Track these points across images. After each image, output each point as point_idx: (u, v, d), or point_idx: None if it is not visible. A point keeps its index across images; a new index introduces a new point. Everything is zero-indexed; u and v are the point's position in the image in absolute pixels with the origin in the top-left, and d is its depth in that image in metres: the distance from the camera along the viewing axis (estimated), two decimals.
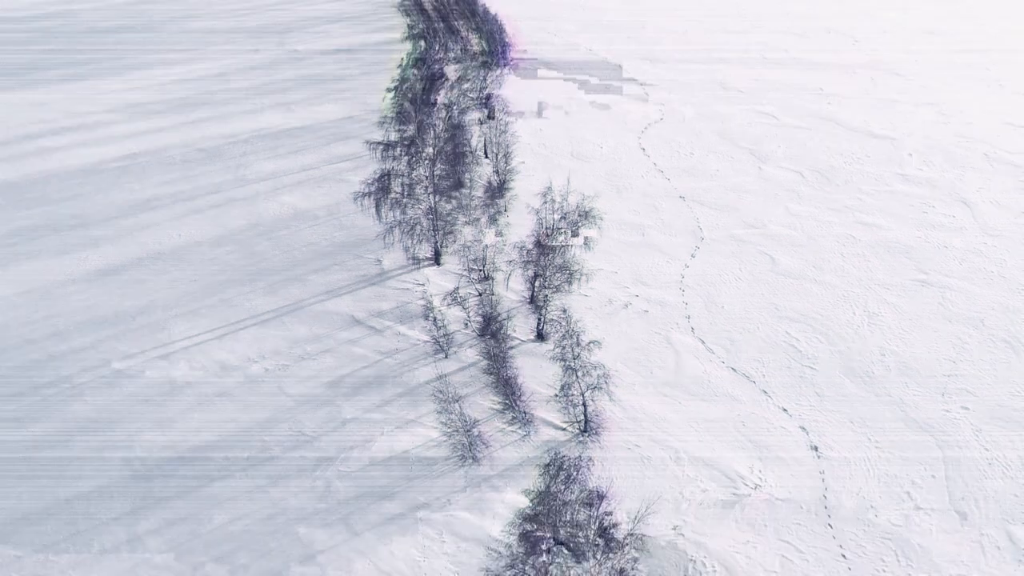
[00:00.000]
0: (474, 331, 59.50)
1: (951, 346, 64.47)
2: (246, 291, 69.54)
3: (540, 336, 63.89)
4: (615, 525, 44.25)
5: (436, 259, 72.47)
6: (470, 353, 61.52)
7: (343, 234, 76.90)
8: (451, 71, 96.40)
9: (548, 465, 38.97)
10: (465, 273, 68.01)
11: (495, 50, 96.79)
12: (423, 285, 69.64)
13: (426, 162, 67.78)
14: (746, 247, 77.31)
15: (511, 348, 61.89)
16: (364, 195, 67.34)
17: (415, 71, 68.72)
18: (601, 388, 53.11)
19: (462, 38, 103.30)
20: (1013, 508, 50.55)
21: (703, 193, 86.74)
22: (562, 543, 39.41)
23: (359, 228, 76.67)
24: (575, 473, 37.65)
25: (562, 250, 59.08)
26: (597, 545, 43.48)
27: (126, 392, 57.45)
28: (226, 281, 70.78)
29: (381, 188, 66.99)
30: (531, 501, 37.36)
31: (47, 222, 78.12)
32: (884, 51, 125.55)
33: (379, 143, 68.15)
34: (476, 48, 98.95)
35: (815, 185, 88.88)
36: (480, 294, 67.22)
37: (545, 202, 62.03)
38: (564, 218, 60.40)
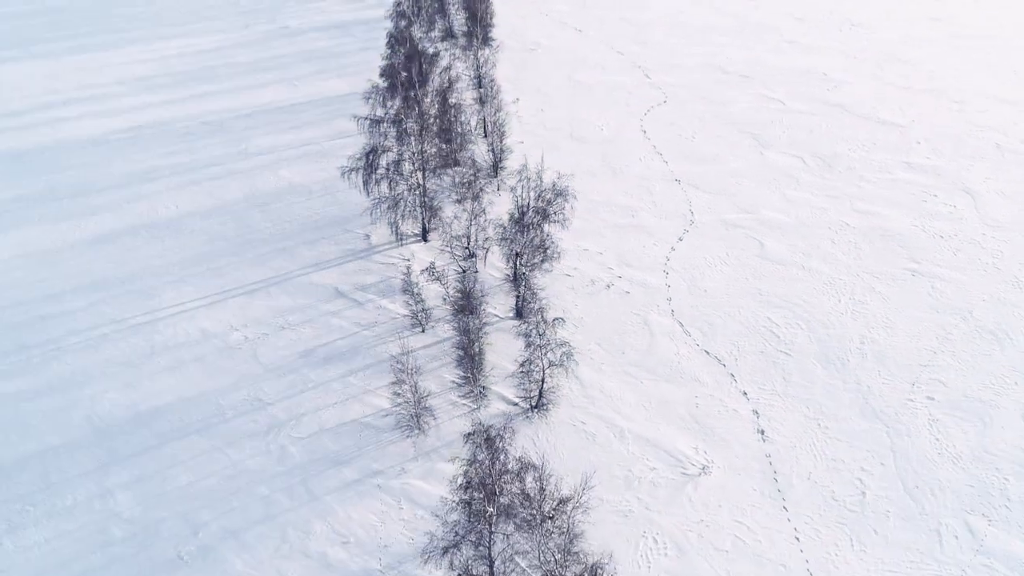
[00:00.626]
0: (450, 306, 60.18)
1: (935, 336, 63.57)
2: (235, 261, 71.16)
3: (519, 314, 64.42)
4: (566, 499, 44.91)
5: (423, 235, 73.31)
6: (448, 328, 62.29)
7: (335, 208, 78.05)
8: (438, 49, 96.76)
9: (471, 434, 39.74)
10: (448, 249, 68.75)
11: (475, 29, 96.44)
12: (408, 260, 70.51)
13: (413, 139, 68.38)
14: (736, 232, 76.73)
15: (489, 324, 62.59)
16: (351, 170, 68.24)
17: (401, 48, 69.39)
18: (562, 365, 53.62)
19: (448, 16, 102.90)
20: (970, 498, 50.08)
21: (699, 177, 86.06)
22: (504, 512, 40.13)
23: (352, 203, 77.64)
24: (500, 443, 38.28)
25: (538, 228, 59.40)
26: (549, 517, 44.25)
27: (106, 354, 59.51)
28: (217, 251, 72.47)
29: (368, 164, 67.82)
30: (462, 469, 38.18)
31: (50, 189, 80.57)
32: (887, 37, 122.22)
33: (366, 118, 68.93)
34: (462, 28, 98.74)
35: (815, 171, 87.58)
36: (464, 271, 67.93)
37: (520, 180, 62.41)
38: (540, 197, 60.73)
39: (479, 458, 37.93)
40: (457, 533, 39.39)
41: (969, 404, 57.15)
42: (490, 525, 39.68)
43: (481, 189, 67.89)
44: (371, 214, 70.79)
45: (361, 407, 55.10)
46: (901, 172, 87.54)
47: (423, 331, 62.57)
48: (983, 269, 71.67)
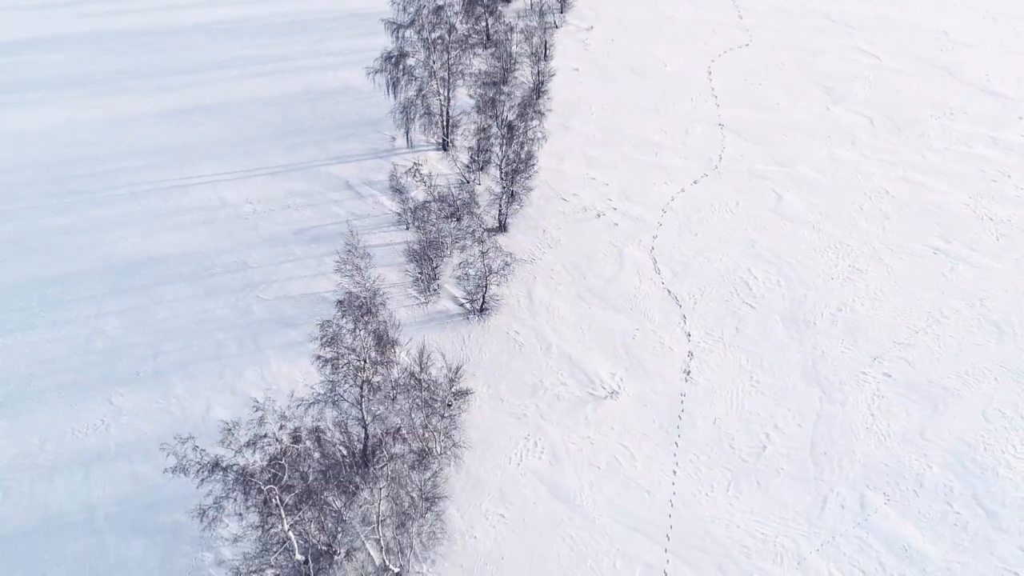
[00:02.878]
0: (416, 207, 63.25)
1: (926, 317, 59.41)
2: (272, 146, 78.40)
3: (501, 227, 67.03)
4: (466, 392, 48.57)
5: (444, 144, 76.81)
6: (430, 229, 65.95)
7: (374, 110, 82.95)
8: None
9: (341, 301, 43.66)
10: (451, 158, 71.86)
11: None
12: (423, 165, 74.41)
13: (439, 49, 71.16)
14: (758, 183, 73.83)
15: (469, 233, 65.58)
16: (376, 72, 72.40)
17: None
18: (500, 273, 56.10)
19: None
20: (878, 475, 48.14)
21: (748, 125, 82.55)
22: (369, 384, 44.28)
23: (388, 106, 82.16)
24: (365, 314, 42.00)
25: (507, 141, 61.17)
26: (448, 404, 48.20)
27: (141, 206, 69.02)
28: (261, 135, 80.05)
29: (395, 67, 71.59)
30: (322, 331, 42.38)
31: (143, 67, 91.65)
32: None
33: (392, 21, 72.29)
34: None
35: (880, 134, 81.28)
36: (467, 181, 71.13)
37: (494, 92, 63.88)
38: (520, 115, 62.03)
39: (343, 324, 42.15)
40: (332, 389, 44.08)
41: (929, 389, 53.77)
42: (360, 388, 44.11)
43: (489, 104, 69.66)
44: (392, 117, 74.99)
45: (325, 283, 60.68)
46: (982, 147, 79.25)
47: (407, 228, 66.79)
48: (1022, 259, 64.96)
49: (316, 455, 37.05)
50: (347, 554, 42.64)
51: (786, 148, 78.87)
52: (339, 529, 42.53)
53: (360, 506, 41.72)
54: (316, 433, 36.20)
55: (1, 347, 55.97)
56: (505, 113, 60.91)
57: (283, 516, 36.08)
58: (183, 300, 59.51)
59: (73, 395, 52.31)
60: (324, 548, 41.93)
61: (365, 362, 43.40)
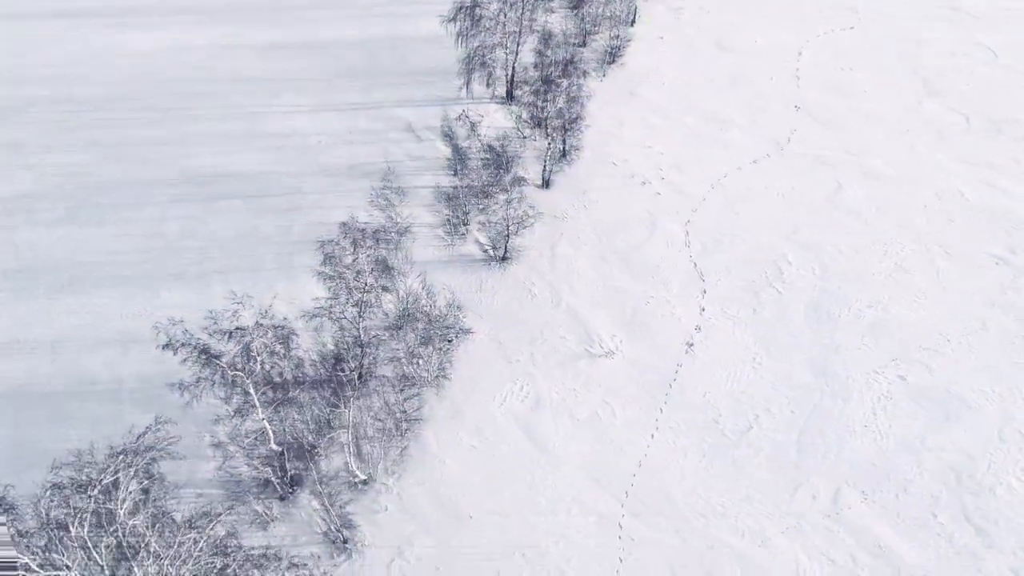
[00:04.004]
0: (456, 151, 65.14)
1: (963, 327, 56.13)
2: (350, 85, 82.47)
3: (545, 183, 68.25)
4: (467, 329, 51.10)
5: (508, 97, 78.34)
6: (472, 176, 68.09)
7: (450, 60, 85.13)
8: None
9: (344, 224, 46.54)
10: (511, 113, 73.34)
11: None
12: (481, 115, 76.32)
13: (511, 2, 72.30)
14: (821, 168, 70.98)
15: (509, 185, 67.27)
16: (449, 20, 74.56)
17: None
18: (521, 224, 57.57)
19: None
20: (862, 473, 46.77)
21: (827, 109, 78.96)
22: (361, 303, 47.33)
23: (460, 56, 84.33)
24: (363, 239, 44.75)
25: (563, 94, 61.92)
26: (448, 340, 51.02)
27: (221, 127, 74.94)
28: (341, 73, 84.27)
29: (466, 16, 73.48)
30: (322, 249, 45.65)
31: (249, 3, 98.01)
32: None
33: None
34: None
35: (975, 134, 75.75)
36: (524, 137, 72.59)
37: (546, 39, 64.47)
38: (564, 70, 62.47)
39: (345, 245, 45.25)
40: (332, 305, 47.50)
41: (945, 398, 51.24)
42: (358, 307, 47.34)
43: (562, 64, 70.04)
44: (460, 67, 77.04)
45: (363, 215, 64.14)
46: None
47: (455, 174, 69.16)
48: None
49: (297, 353, 40.60)
50: (325, 457, 46.37)
51: (862, 137, 75.06)
52: (323, 433, 46.30)
53: (342, 413, 45.20)
54: (285, 331, 39.66)
55: (76, 237, 63.27)
56: (548, 70, 61.60)
57: (258, 405, 39.94)
58: (237, 213, 64.86)
59: (127, 284, 58.75)
60: (308, 448, 45.87)
61: (365, 285, 46.46)
